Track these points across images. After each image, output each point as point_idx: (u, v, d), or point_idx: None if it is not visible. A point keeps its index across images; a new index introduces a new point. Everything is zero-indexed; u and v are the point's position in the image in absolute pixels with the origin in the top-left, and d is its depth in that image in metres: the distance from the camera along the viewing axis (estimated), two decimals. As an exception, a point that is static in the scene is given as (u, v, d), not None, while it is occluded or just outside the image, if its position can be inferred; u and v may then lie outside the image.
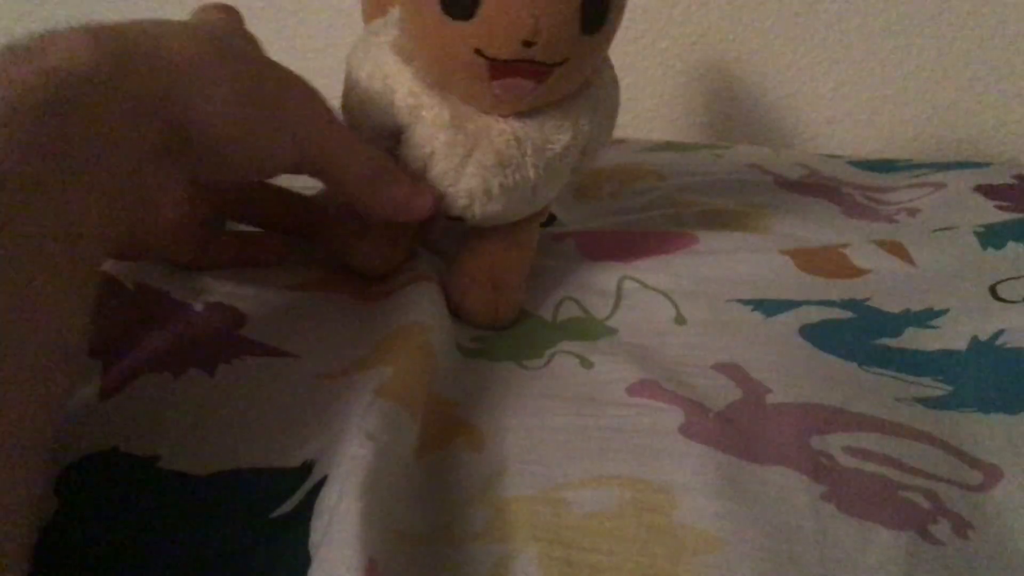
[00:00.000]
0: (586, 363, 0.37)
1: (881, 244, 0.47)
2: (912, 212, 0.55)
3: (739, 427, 0.33)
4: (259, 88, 0.33)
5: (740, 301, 0.42)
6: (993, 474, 0.31)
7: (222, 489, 0.29)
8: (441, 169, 0.39)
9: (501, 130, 0.38)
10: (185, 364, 0.33)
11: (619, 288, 0.43)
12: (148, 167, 0.30)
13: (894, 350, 0.39)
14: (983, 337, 0.39)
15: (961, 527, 0.29)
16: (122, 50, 0.29)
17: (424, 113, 0.38)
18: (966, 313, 0.41)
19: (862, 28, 0.76)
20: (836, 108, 0.79)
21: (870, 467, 0.31)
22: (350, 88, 0.41)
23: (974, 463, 0.32)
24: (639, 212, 0.54)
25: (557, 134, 0.39)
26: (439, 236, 0.46)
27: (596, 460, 0.31)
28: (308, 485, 0.28)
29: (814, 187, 0.60)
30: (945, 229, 0.50)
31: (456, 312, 0.41)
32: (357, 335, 0.36)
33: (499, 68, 0.35)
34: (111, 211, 0.28)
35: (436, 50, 0.37)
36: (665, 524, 0.28)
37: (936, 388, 0.36)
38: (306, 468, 0.29)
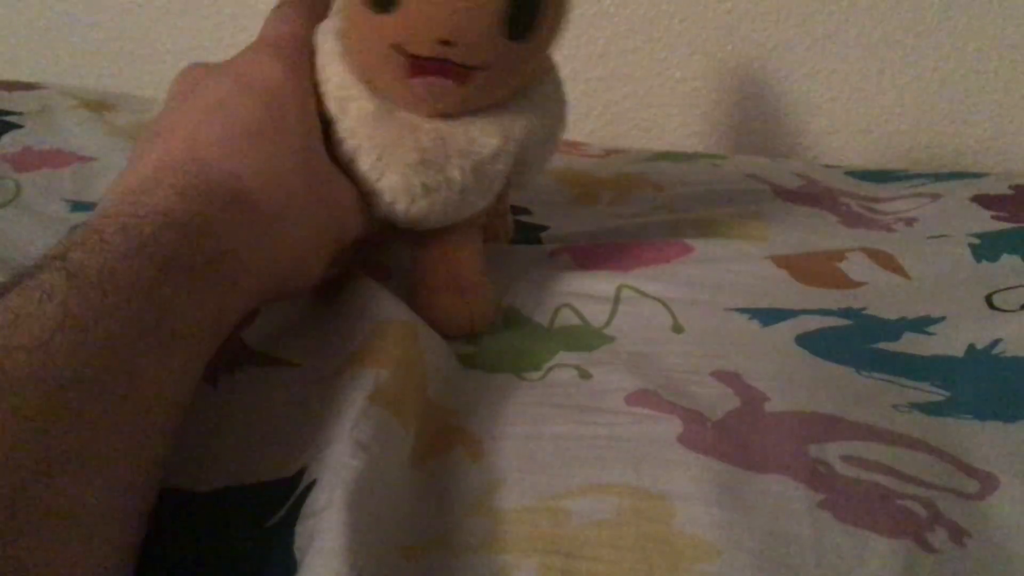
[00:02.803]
0: (584, 374, 0.37)
1: (875, 258, 0.47)
2: (909, 222, 0.56)
3: (737, 436, 0.33)
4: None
5: (737, 310, 0.43)
6: (990, 482, 0.32)
7: (221, 503, 0.29)
8: (366, 164, 0.38)
9: (426, 129, 0.38)
10: None
11: (617, 295, 0.43)
12: None
13: (892, 354, 0.39)
14: (980, 345, 0.39)
15: (958, 535, 0.29)
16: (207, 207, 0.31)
17: (351, 105, 0.38)
18: (963, 321, 0.41)
19: (860, 38, 0.76)
20: (833, 118, 0.79)
21: (867, 476, 0.31)
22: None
23: (971, 471, 0.32)
24: (637, 221, 0.54)
25: (485, 137, 0.38)
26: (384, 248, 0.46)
27: (595, 469, 0.31)
28: (299, 490, 0.29)
29: (811, 197, 0.60)
30: (940, 237, 0.50)
31: (430, 327, 0.40)
32: (346, 333, 0.37)
33: (417, 65, 0.35)
34: None
35: (359, 42, 0.37)
36: (664, 533, 0.28)
37: (933, 394, 0.37)
38: (299, 474, 0.29)
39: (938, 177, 0.65)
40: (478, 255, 0.43)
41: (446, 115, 0.38)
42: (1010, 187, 0.59)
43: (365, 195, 0.39)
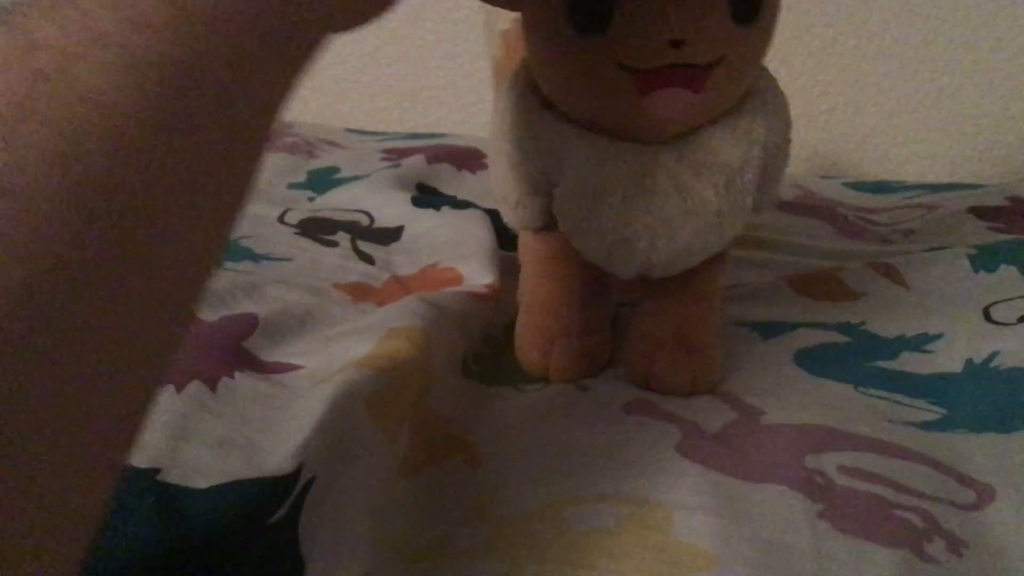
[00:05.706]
0: (582, 385, 0.38)
1: (876, 268, 0.48)
2: (906, 233, 0.56)
3: (735, 446, 0.33)
4: None
5: (735, 323, 0.43)
6: (986, 493, 0.32)
7: (220, 499, 0.29)
8: (608, 213, 0.34)
9: (661, 152, 0.34)
10: (189, 377, 0.33)
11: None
12: None
13: (889, 372, 0.39)
14: (978, 360, 0.39)
15: (955, 546, 0.29)
16: None
17: (571, 156, 0.34)
18: (961, 337, 0.41)
19: (856, 50, 0.77)
20: (830, 130, 0.80)
21: (865, 486, 0.31)
22: (496, 153, 0.37)
23: (967, 482, 0.32)
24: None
25: (729, 147, 0.34)
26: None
27: (594, 478, 0.31)
28: (298, 488, 0.29)
29: (809, 208, 0.60)
30: (938, 249, 0.50)
31: (646, 383, 0.37)
32: (354, 337, 0.37)
33: (648, 79, 0.31)
34: None
35: (575, 76, 0.32)
36: (663, 542, 0.28)
37: (930, 412, 0.37)
38: (296, 472, 0.29)
39: (935, 188, 0.65)
40: (716, 312, 0.39)
41: (681, 133, 0.34)
42: (1007, 198, 0.60)
43: (613, 246, 0.35)
